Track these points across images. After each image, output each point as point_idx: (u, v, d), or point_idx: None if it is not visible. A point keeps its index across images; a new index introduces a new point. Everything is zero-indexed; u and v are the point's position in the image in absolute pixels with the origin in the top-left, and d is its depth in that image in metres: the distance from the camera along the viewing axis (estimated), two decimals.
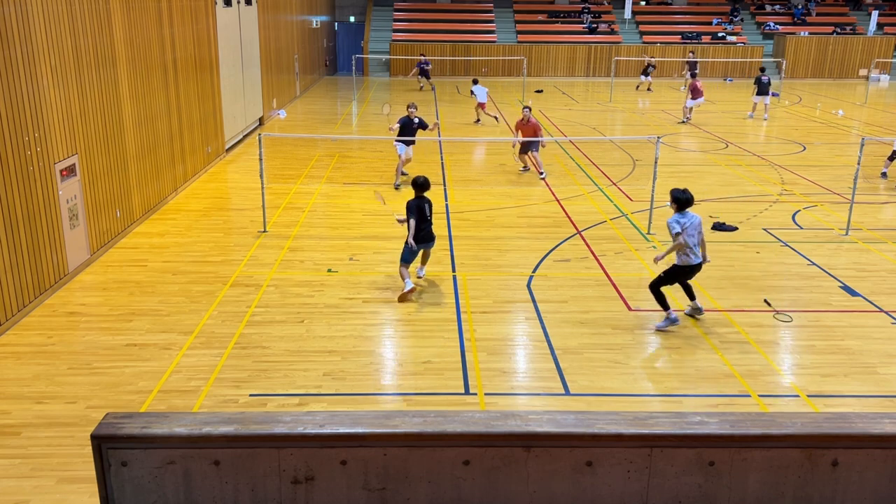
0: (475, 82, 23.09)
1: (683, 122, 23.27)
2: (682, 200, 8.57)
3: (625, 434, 3.56)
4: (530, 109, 15.90)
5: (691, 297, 8.95)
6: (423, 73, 30.61)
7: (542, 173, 15.80)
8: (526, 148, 15.98)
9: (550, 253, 11.21)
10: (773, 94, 29.42)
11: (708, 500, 3.65)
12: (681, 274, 8.74)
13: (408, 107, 15.11)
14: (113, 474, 3.51)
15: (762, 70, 24.17)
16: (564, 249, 11.41)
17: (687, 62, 31.01)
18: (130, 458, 3.49)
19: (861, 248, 11.63)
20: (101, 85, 10.97)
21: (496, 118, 22.56)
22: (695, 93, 23.05)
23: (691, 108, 23.26)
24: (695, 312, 9.00)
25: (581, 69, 35.95)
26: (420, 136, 15.53)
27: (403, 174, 15.22)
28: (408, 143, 14.96)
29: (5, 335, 8.42)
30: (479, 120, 22.78)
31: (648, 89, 31.33)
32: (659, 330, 8.70)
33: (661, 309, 8.89)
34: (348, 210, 13.40)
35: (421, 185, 9.67)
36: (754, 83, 23.74)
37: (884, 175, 15.97)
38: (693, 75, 24.61)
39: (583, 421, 3.64)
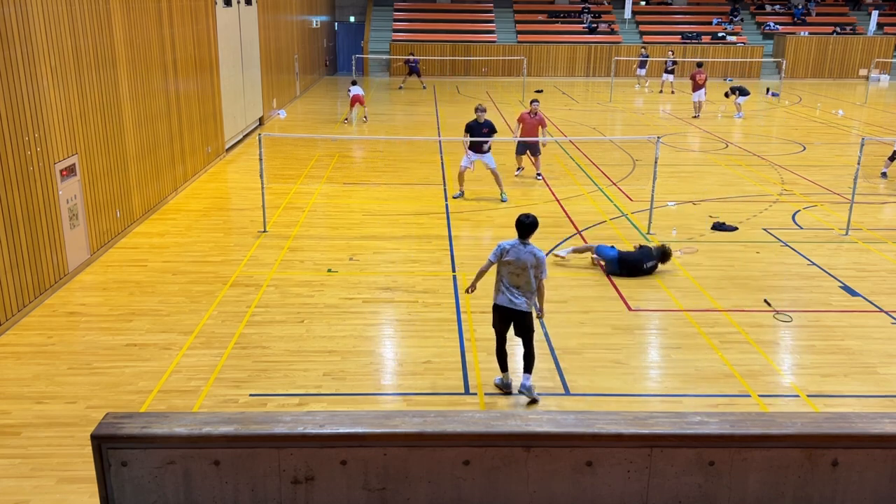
0: (354, 83, 23.24)
1: (696, 116, 23.93)
2: (521, 226, 6.97)
3: (625, 434, 3.56)
4: (539, 102, 15.14)
5: (502, 365, 7.28)
6: (414, 72, 30.71)
7: (539, 174, 15.52)
8: (524, 147, 15.21)
9: (550, 253, 11.21)
10: (774, 95, 29.47)
11: (708, 500, 3.65)
12: (494, 315, 7.15)
13: (476, 109, 13.74)
14: (113, 474, 3.51)
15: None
16: (563, 249, 11.40)
17: (664, 62, 31.14)
18: (130, 458, 3.49)
19: (861, 248, 11.63)
20: (101, 85, 10.97)
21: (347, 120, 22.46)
22: (695, 86, 23.71)
23: (700, 104, 23.78)
24: (502, 387, 7.34)
25: (581, 69, 35.94)
26: (416, 135, 15.17)
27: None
28: (478, 151, 13.66)
29: (5, 335, 8.42)
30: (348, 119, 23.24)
31: (672, 91, 30.62)
32: (496, 385, 7.43)
33: (659, 309, 8.87)
34: (348, 210, 13.39)
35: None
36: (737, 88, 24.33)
37: (884, 175, 15.98)
38: (699, 65, 24.93)
39: (583, 421, 3.65)
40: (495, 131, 13.81)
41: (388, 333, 8.73)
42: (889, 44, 36.64)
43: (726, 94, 24.80)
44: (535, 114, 14.88)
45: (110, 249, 11.17)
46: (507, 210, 13.41)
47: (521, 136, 15.06)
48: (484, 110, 13.72)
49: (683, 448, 3.57)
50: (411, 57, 31.38)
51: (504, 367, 7.33)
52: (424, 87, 30.86)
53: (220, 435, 3.50)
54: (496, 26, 37.28)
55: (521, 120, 15.18)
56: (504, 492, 3.63)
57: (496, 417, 3.73)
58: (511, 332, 7.22)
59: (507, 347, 7.34)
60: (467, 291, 7.48)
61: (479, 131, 13.55)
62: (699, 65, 24.91)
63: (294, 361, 7.92)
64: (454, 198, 14.06)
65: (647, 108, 26.45)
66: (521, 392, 7.13)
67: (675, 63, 30.73)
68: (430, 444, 3.56)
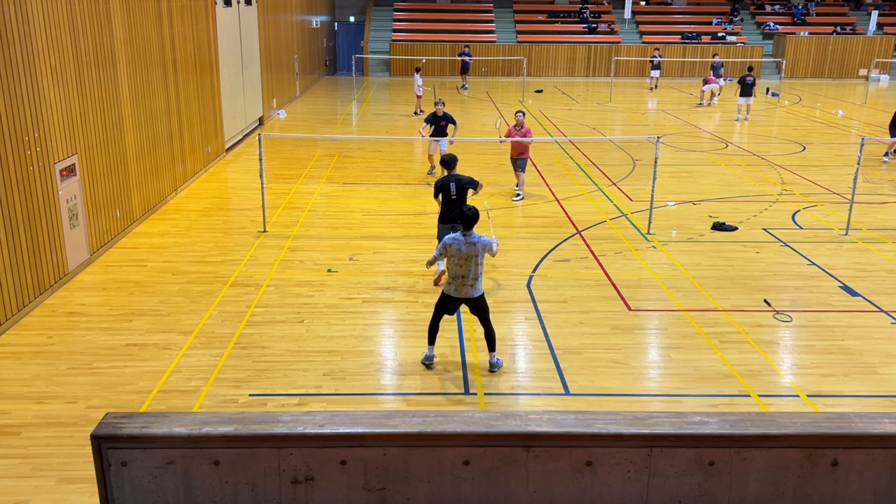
0: (417, 70, 24.09)
1: (701, 104, 25.27)
2: (468, 218, 7.30)
3: (625, 434, 3.56)
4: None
5: (431, 339, 7.75)
6: (465, 69, 31.06)
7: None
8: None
9: (550, 253, 11.21)
10: (774, 94, 29.48)
11: (708, 500, 3.65)
12: (444, 302, 7.60)
13: (435, 103, 15.38)
14: (113, 474, 3.51)
15: (749, 70, 24.11)
16: (564, 249, 11.41)
17: (651, 60, 31.65)
18: (130, 458, 3.49)
19: (861, 248, 11.63)
20: (101, 85, 10.97)
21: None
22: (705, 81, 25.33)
23: (711, 93, 24.69)
24: (491, 367, 7.73)
25: (581, 69, 35.95)
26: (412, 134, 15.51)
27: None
28: (436, 138, 15.55)
29: (5, 335, 8.42)
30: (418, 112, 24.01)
31: (656, 86, 31.63)
32: (422, 362, 7.87)
33: (659, 309, 8.85)
34: (348, 210, 13.39)
35: (446, 162, 9.81)
36: (738, 83, 23.91)
37: (886, 159, 15.98)
38: (716, 69, 25.73)
39: (583, 421, 3.65)
40: (454, 121, 15.31)
41: (388, 333, 8.73)
42: (889, 44, 36.64)
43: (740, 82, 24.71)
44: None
45: (110, 249, 11.17)
46: (506, 211, 13.41)
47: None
48: (443, 104, 15.46)
49: (683, 448, 3.57)
50: (466, 50, 31.50)
51: (432, 341, 7.79)
52: (466, 87, 31.06)
53: (220, 435, 3.50)
54: (496, 26, 37.28)
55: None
56: (504, 492, 3.63)
57: (496, 417, 3.73)
58: (450, 314, 7.87)
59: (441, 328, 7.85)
60: (436, 284, 8.18)
61: (438, 123, 15.35)
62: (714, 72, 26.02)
63: (294, 361, 7.92)
64: (429, 174, 15.96)
65: (646, 108, 26.45)
66: (492, 370, 7.70)
67: (659, 60, 31.62)
68: (430, 444, 3.55)
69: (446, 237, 7.47)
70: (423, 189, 14.80)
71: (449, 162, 9.78)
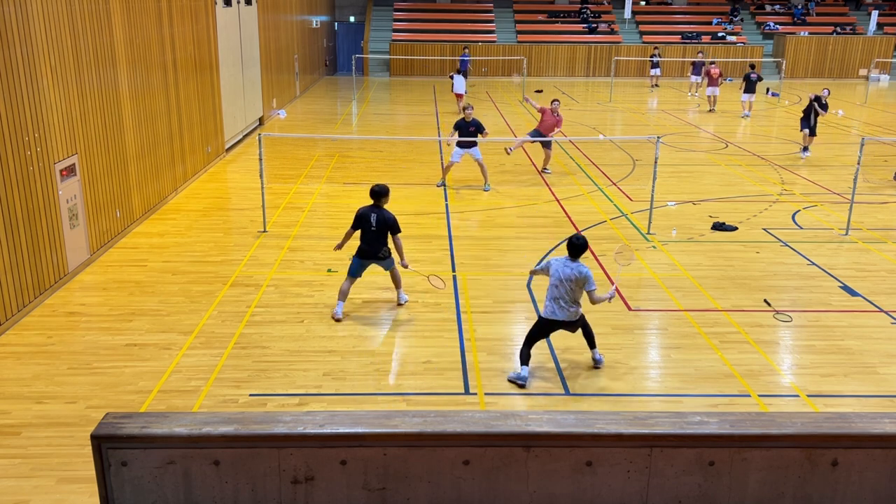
0: (458, 72, 24.42)
1: (711, 110, 25.18)
2: (574, 247, 7.45)
3: (625, 434, 3.56)
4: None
5: (589, 343, 7.87)
6: (462, 72, 30.70)
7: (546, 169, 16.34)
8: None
9: (550, 253, 11.21)
10: (774, 94, 29.48)
11: (708, 500, 3.65)
12: (540, 328, 7.59)
13: (464, 108, 14.68)
14: (113, 474, 3.51)
15: (752, 67, 24.30)
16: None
17: (651, 58, 32.01)
18: (130, 458, 3.50)
19: (861, 248, 11.63)
20: (101, 85, 10.97)
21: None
22: (710, 81, 25.20)
23: (714, 98, 25.18)
24: (517, 380, 7.55)
25: (581, 69, 35.95)
26: (412, 137, 15.48)
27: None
28: (464, 147, 14.54)
29: (5, 335, 8.42)
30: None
31: (657, 85, 31.87)
32: (509, 380, 7.58)
33: (659, 309, 8.85)
34: (348, 210, 13.33)
35: (376, 193, 8.90)
36: (743, 80, 24.25)
37: None
38: (709, 62, 26.15)
39: (583, 421, 3.65)
40: (482, 128, 14.46)
41: (388, 333, 8.73)
42: (889, 44, 36.64)
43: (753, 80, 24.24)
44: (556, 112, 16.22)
45: (110, 249, 11.16)
46: (506, 211, 13.42)
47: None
48: (472, 108, 14.68)
49: (683, 448, 3.58)
50: (465, 52, 31.31)
51: (525, 361, 7.58)
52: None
53: (220, 435, 3.50)
54: (496, 26, 37.29)
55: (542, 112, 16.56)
56: (504, 492, 3.63)
57: (496, 417, 3.73)
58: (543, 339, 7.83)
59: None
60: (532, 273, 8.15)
61: (467, 129, 14.36)
62: (711, 61, 25.76)
63: (294, 361, 7.92)
64: (437, 186, 14.97)
65: (646, 108, 26.45)
66: (596, 367, 7.84)
67: (659, 59, 31.95)
68: (430, 444, 3.56)
69: (554, 258, 7.59)
70: (423, 189, 14.80)
71: (379, 193, 8.84)
